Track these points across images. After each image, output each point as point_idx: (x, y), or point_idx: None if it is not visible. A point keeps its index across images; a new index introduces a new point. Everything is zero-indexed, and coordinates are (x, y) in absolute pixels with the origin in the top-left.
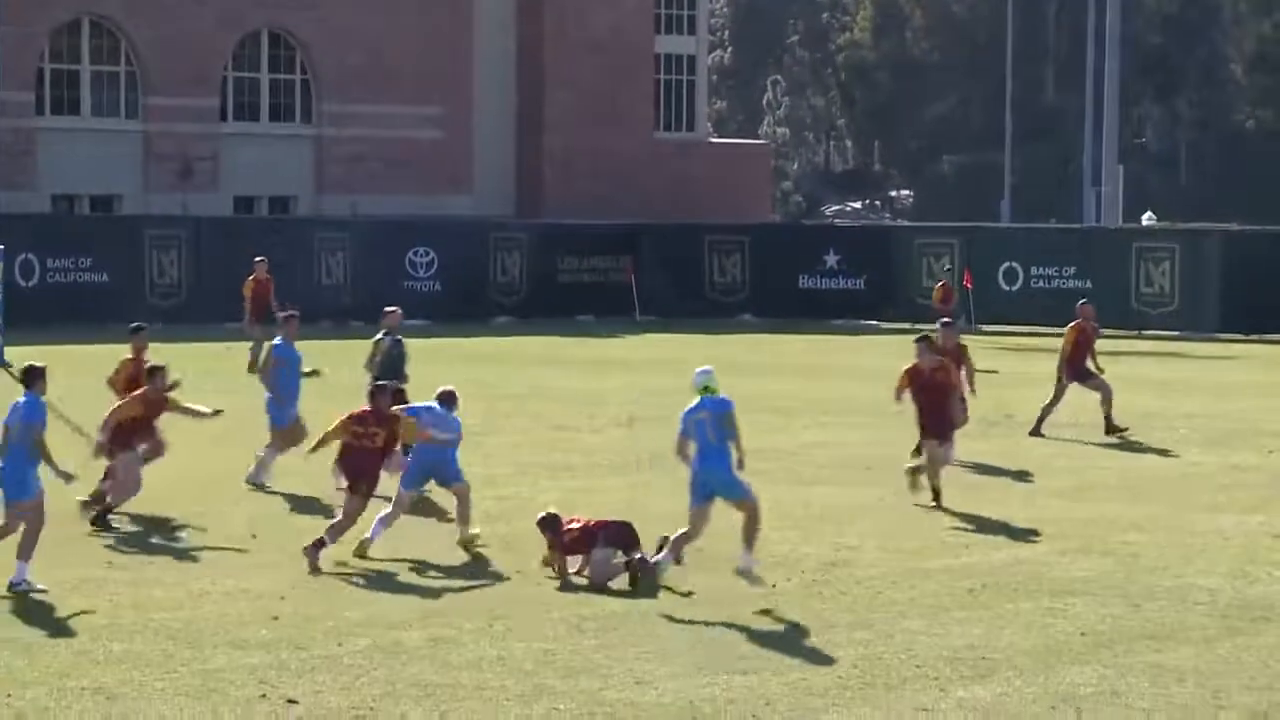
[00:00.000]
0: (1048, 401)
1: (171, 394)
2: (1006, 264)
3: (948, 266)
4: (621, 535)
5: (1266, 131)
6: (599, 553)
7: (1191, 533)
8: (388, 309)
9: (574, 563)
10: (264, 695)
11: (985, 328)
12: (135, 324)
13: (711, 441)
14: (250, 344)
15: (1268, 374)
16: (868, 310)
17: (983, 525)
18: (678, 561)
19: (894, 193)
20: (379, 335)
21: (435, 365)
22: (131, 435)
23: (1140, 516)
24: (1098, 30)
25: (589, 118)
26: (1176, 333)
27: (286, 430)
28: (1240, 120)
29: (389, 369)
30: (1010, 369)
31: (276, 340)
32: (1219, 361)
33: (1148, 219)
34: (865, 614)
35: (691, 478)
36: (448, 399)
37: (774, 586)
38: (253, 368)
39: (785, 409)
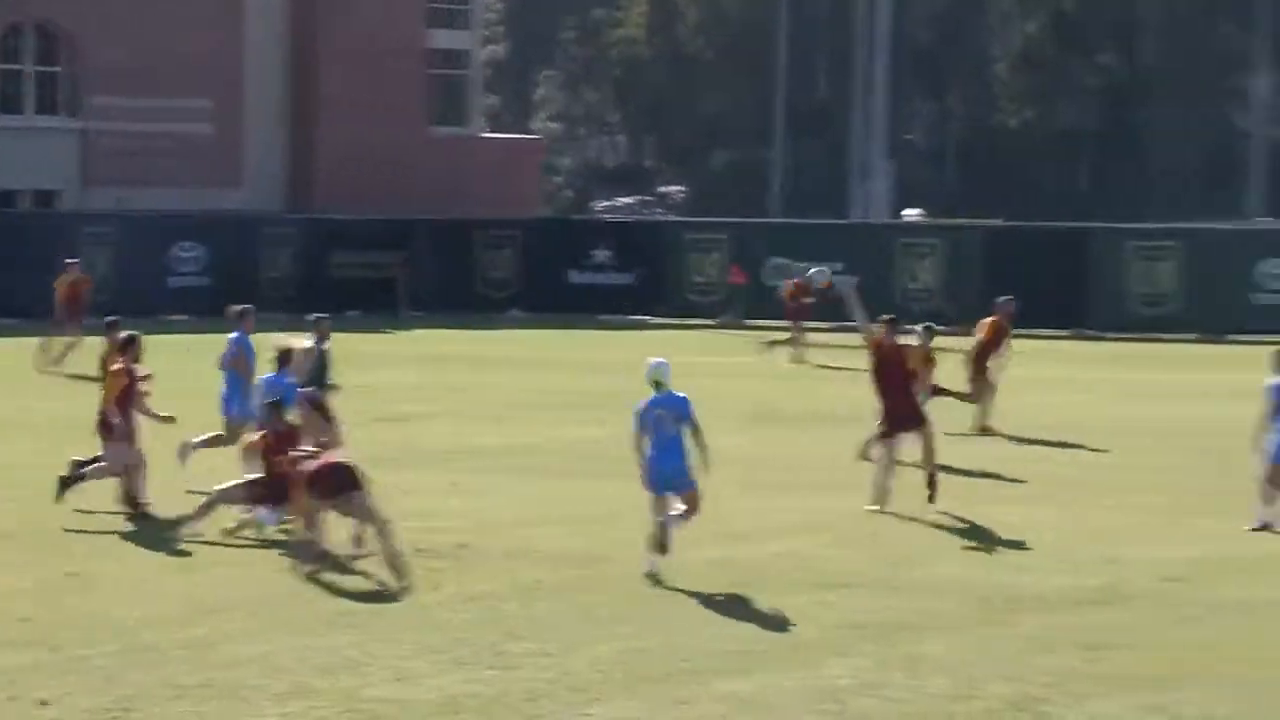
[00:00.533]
0: (977, 396)
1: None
2: (775, 260)
3: (811, 271)
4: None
5: (1030, 129)
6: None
7: (950, 525)
8: (319, 316)
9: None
10: (14, 698)
11: (755, 322)
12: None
13: (669, 435)
14: (61, 342)
15: (1028, 369)
16: (638, 305)
17: (753, 519)
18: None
19: (666, 188)
20: (309, 343)
21: (201, 363)
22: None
23: (900, 509)
24: (867, 27)
25: (361, 112)
26: (941, 328)
27: (235, 427)
28: (1005, 118)
29: (316, 376)
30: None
31: (235, 334)
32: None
33: (913, 214)
34: (630, 608)
35: (645, 472)
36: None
37: (539, 582)
38: (42, 366)
39: (553, 404)
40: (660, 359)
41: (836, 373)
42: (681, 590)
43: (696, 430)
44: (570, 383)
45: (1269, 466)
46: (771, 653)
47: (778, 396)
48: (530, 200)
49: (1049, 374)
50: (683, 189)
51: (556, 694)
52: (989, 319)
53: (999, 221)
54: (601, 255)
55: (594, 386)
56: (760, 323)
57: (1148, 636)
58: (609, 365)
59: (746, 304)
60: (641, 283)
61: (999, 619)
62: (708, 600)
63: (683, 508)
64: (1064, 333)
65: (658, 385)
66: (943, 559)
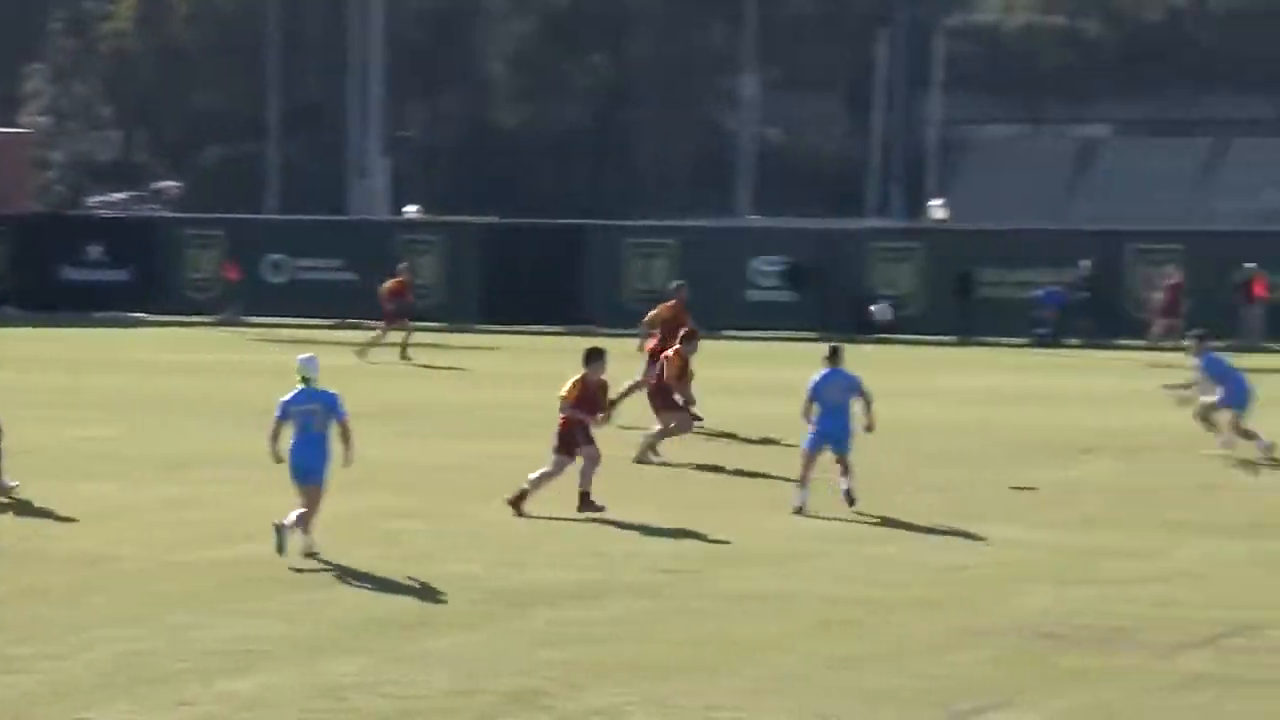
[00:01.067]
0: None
1: None
2: (274, 256)
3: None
4: None
5: (524, 128)
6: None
7: (458, 522)
8: None
9: None
10: None
11: (254, 320)
12: None
13: (314, 432)
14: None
15: (525, 364)
16: (134, 302)
17: (265, 518)
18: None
19: (161, 184)
20: None
21: None
22: None
23: (410, 506)
24: (361, 25)
25: None
26: (441, 323)
27: None
28: (501, 117)
29: None
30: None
31: None
32: (480, 352)
33: (412, 211)
34: (134, 609)
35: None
36: None
37: (45, 584)
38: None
39: (49, 403)
40: (309, 355)
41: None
42: (188, 590)
43: (345, 428)
44: (67, 382)
45: (808, 454)
46: (275, 651)
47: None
48: (21, 195)
49: (548, 370)
50: (178, 184)
51: (55, 698)
52: (666, 303)
53: (497, 219)
54: (95, 252)
55: (91, 385)
56: (259, 320)
57: (648, 629)
58: (105, 364)
59: (244, 300)
60: (137, 280)
61: (506, 614)
62: (213, 600)
63: (302, 510)
64: (560, 328)
65: (306, 381)
66: (452, 556)
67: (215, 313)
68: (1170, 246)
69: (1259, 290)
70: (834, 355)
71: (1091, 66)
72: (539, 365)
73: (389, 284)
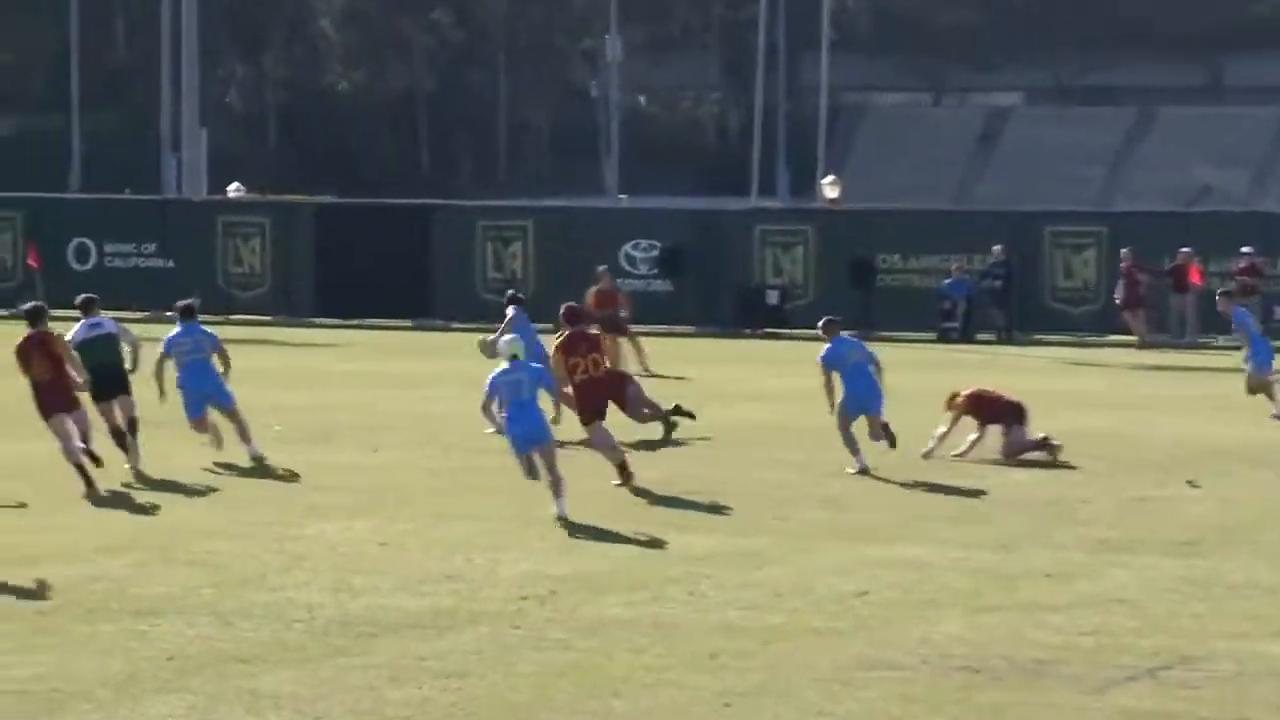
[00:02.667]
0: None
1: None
2: (77, 240)
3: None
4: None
5: (360, 94)
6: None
7: (290, 541)
8: None
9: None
10: None
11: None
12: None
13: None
14: None
15: (367, 362)
16: None
17: (60, 536)
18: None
19: None
20: None
21: None
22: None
23: (229, 522)
24: None
25: None
26: (269, 317)
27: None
28: (333, 81)
29: None
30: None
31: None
32: (316, 349)
33: (234, 190)
34: None
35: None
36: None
37: None
38: None
39: None
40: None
41: None
42: None
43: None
44: None
45: (845, 422)
46: (85, 690)
47: None
48: None
49: (394, 369)
50: None
51: None
52: (596, 289)
53: (332, 198)
54: None
55: None
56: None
57: (507, 661)
58: None
59: (47, 287)
60: None
61: (347, 647)
62: (9, 632)
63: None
64: (406, 323)
65: (514, 357)
66: (283, 581)
67: (14, 305)
68: (1091, 229)
69: (1194, 278)
70: (830, 325)
71: (998, 26)
72: (379, 364)
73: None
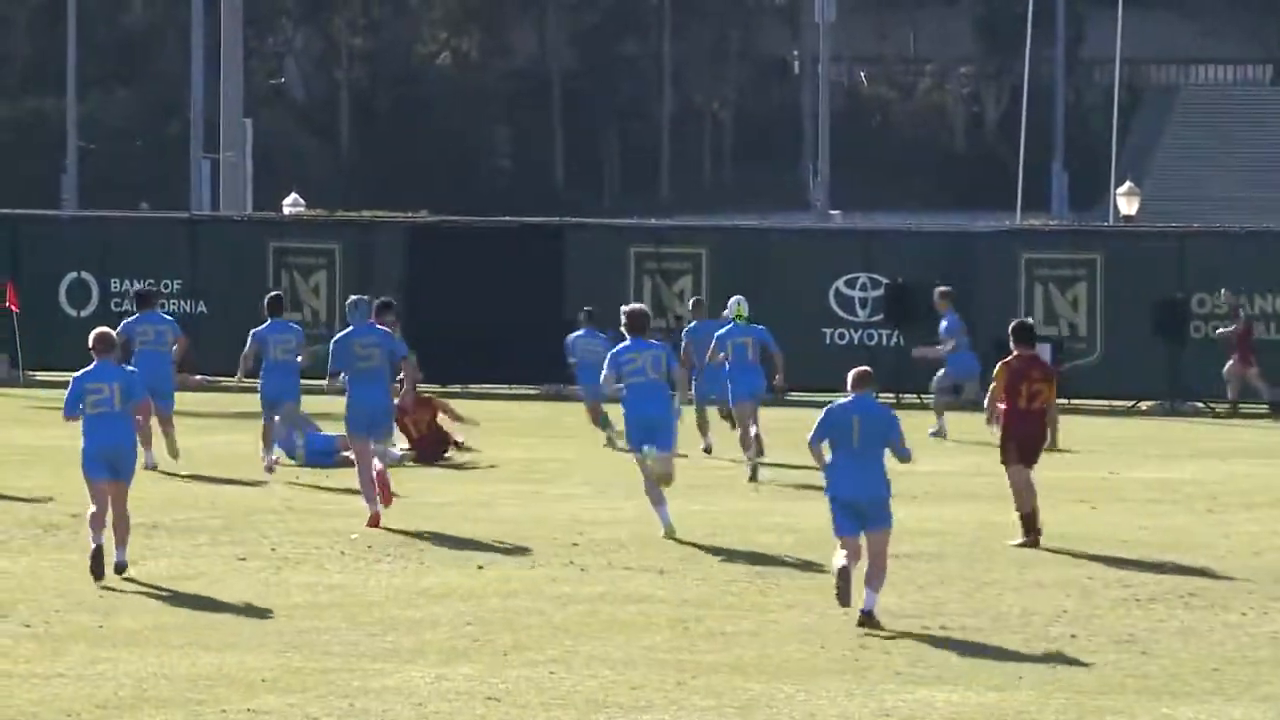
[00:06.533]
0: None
1: None
2: (72, 275)
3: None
4: None
5: (468, 71)
6: None
7: (362, 696)
8: None
9: None
10: None
11: (40, 375)
12: None
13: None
14: None
15: (470, 444)
16: None
17: (39, 689)
18: None
19: None
20: None
21: None
22: None
23: (281, 668)
24: None
25: None
26: None
27: None
28: (430, 53)
29: None
30: None
31: None
32: None
33: (292, 205)
34: None
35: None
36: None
37: None
38: None
39: None
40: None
41: None
42: None
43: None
44: None
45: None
46: None
47: None
48: None
49: (510, 454)
50: None
51: None
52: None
53: (428, 215)
54: None
55: None
56: (46, 375)
57: None
58: None
59: (27, 339)
60: None
61: None
62: None
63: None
64: (530, 389)
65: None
66: None
67: None
68: None
69: None
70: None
71: None
72: (488, 446)
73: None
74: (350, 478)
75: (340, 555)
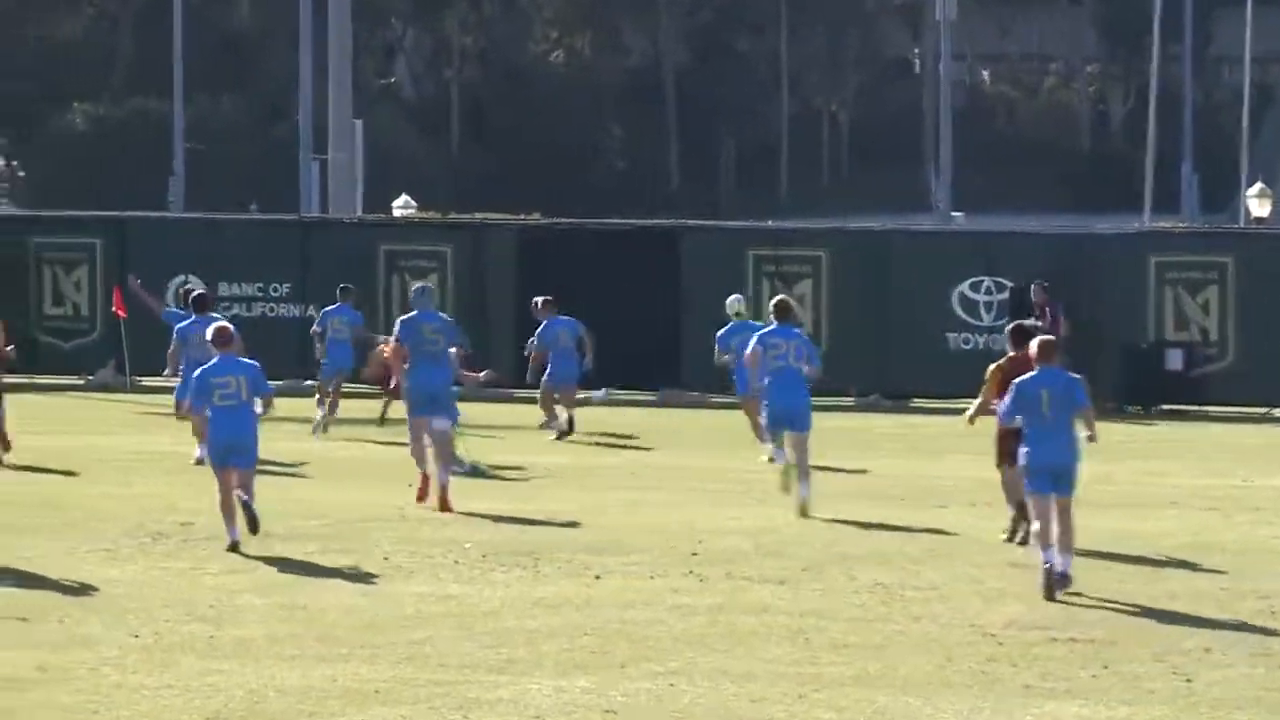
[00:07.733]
0: None
1: None
2: (179, 278)
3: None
4: None
5: (581, 71)
6: None
7: (477, 709)
8: None
9: None
10: None
11: (147, 380)
12: None
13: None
14: None
15: (581, 453)
16: None
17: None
18: None
19: None
20: None
21: None
22: None
23: (393, 680)
24: None
25: None
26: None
27: None
28: (543, 53)
29: None
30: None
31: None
32: (518, 434)
33: (403, 206)
34: None
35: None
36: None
37: None
38: None
39: None
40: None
41: None
42: None
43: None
44: None
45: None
46: None
47: None
48: None
49: (624, 460)
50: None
51: None
52: None
53: (540, 218)
54: None
55: None
56: (151, 380)
57: None
58: None
59: (136, 343)
60: None
61: None
62: None
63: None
64: (648, 395)
65: (737, 315)
66: None
67: (94, 368)
68: None
69: None
70: None
71: None
72: (601, 453)
73: None
74: (464, 484)
75: (454, 565)
